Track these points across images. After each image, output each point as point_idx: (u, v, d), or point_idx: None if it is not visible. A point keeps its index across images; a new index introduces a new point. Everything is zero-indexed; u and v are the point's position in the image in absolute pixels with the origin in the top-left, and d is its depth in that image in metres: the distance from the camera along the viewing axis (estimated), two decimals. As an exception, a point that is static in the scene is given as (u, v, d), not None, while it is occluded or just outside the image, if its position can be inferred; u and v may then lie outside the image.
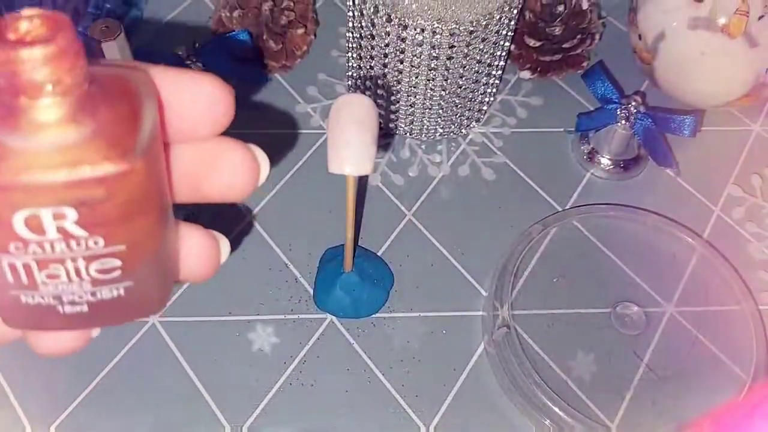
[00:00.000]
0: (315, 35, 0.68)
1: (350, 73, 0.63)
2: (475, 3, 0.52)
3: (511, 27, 0.56)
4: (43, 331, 0.24)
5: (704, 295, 0.55)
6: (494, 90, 0.62)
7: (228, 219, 0.57)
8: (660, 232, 0.57)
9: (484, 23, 0.52)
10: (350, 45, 0.59)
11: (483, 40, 0.53)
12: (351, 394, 0.50)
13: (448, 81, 0.56)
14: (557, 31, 0.62)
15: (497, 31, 0.54)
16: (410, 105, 0.59)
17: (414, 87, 0.57)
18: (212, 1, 0.71)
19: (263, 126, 0.63)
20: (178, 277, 0.25)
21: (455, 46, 0.53)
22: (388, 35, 0.53)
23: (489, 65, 0.57)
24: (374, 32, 0.54)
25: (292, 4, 0.64)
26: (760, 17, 0.54)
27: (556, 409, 0.47)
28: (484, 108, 0.63)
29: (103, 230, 0.20)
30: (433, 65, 0.54)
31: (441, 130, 0.62)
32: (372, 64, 0.57)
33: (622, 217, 0.58)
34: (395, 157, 0.62)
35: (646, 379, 0.51)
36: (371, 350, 0.52)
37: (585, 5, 0.63)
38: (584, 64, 0.65)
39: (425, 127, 0.61)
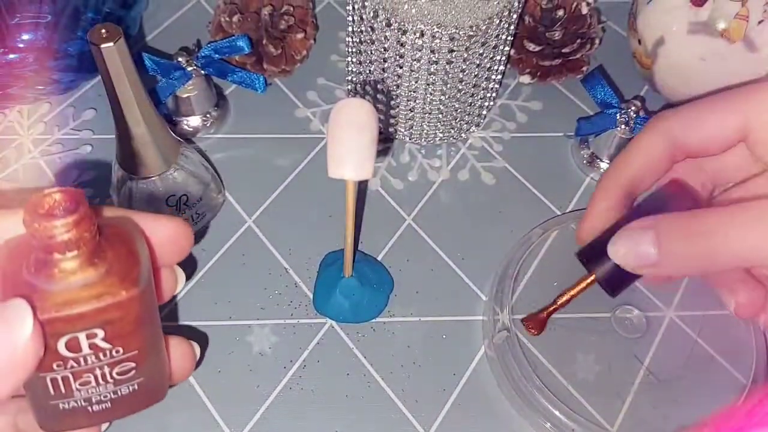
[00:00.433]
0: (314, 40, 0.68)
1: (350, 78, 0.63)
2: (474, 7, 0.52)
3: (510, 31, 0.56)
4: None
5: (704, 298, 0.54)
6: (494, 94, 0.62)
7: (228, 223, 0.57)
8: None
9: (483, 28, 0.52)
10: (350, 49, 0.59)
11: (483, 44, 0.53)
12: (351, 399, 0.50)
13: (448, 85, 0.56)
14: (557, 35, 0.62)
15: (497, 36, 0.54)
16: (410, 109, 0.59)
17: (413, 91, 0.57)
18: (212, 5, 0.71)
19: (263, 131, 0.63)
20: (173, 378, 0.33)
21: (455, 51, 0.53)
22: (388, 40, 0.53)
23: (489, 70, 0.57)
24: (374, 37, 0.54)
25: (291, 8, 0.64)
26: (760, 22, 0.54)
27: (557, 413, 0.47)
28: (484, 112, 0.63)
29: (122, 341, 0.27)
30: (432, 70, 0.54)
31: (441, 135, 0.62)
32: (371, 69, 0.57)
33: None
34: (395, 161, 0.62)
35: (646, 382, 0.51)
36: (371, 355, 0.52)
37: (585, 10, 0.63)
38: (584, 68, 0.65)
39: (425, 131, 0.61)
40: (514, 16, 0.54)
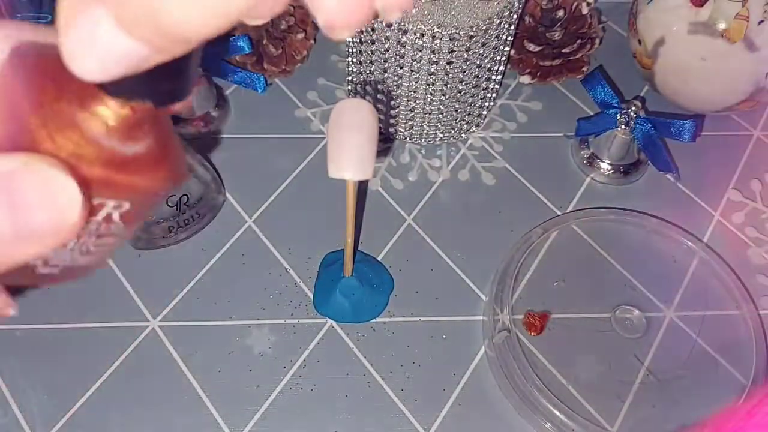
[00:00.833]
0: (315, 40, 0.68)
1: (350, 78, 0.63)
2: (475, 8, 0.52)
3: (511, 32, 0.56)
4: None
5: (704, 299, 0.55)
6: (494, 95, 0.62)
7: (228, 223, 0.57)
8: (660, 236, 0.57)
9: (484, 28, 0.52)
10: (350, 50, 0.59)
11: (483, 44, 0.53)
12: (351, 399, 0.50)
13: (448, 86, 0.56)
14: (557, 36, 0.62)
15: (497, 36, 0.54)
16: (410, 110, 0.59)
17: (414, 92, 0.57)
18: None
19: (263, 131, 0.63)
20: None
21: (455, 51, 0.53)
22: (388, 40, 0.53)
23: (489, 70, 0.57)
24: (374, 37, 0.54)
25: (291, 9, 0.64)
26: (760, 22, 0.54)
27: (557, 413, 0.47)
28: (484, 113, 0.63)
29: (131, 221, 0.23)
30: (433, 70, 0.54)
31: (441, 135, 0.62)
32: (372, 69, 0.57)
33: (621, 221, 0.58)
34: (395, 161, 0.62)
35: (646, 382, 0.51)
36: (371, 355, 0.52)
37: (585, 10, 0.63)
38: (584, 68, 0.65)
39: (425, 131, 0.61)
40: (514, 16, 0.54)
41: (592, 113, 0.65)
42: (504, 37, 0.55)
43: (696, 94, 0.60)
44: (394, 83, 0.57)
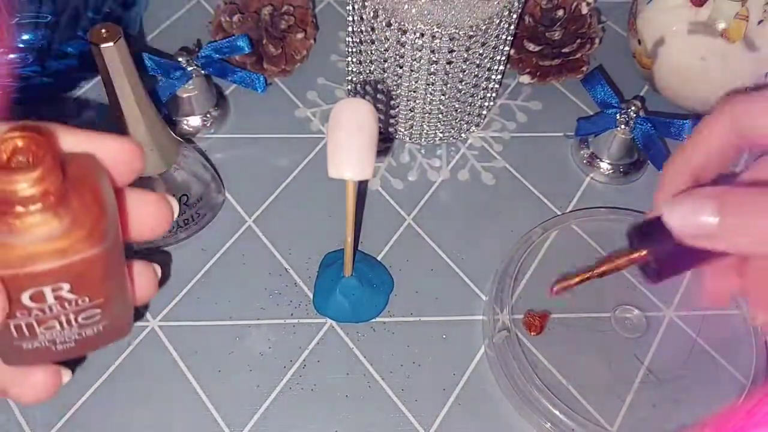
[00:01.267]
0: (314, 40, 0.68)
1: (350, 78, 0.63)
2: (474, 7, 0.52)
3: (510, 31, 0.56)
4: (30, 375, 0.29)
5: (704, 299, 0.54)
6: (494, 94, 0.62)
7: (228, 223, 0.57)
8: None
9: (483, 28, 0.52)
10: (350, 49, 0.59)
11: (482, 44, 0.53)
12: (351, 399, 0.50)
13: (448, 85, 0.56)
14: (557, 35, 0.62)
15: (497, 36, 0.54)
16: (410, 109, 0.59)
17: (413, 91, 0.57)
18: (212, 5, 0.71)
19: (263, 131, 0.63)
20: (137, 302, 0.30)
21: (455, 51, 0.53)
22: (388, 40, 0.53)
23: (488, 70, 0.57)
24: (374, 37, 0.54)
25: (291, 8, 0.64)
26: (760, 21, 0.54)
27: (557, 413, 0.47)
28: (484, 112, 0.63)
29: (89, 292, 0.26)
30: (432, 70, 0.54)
31: (441, 135, 0.62)
32: (371, 69, 0.57)
33: (621, 221, 0.58)
34: (395, 161, 0.62)
35: (646, 382, 0.51)
36: (371, 355, 0.52)
37: (585, 10, 0.63)
38: (584, 68, 0.65)
39: (425, 131, 0.61)
40: (514, 16, 0.54)
41: (592, 113, 0.65)
42: (504, 36, 0.55)
43: (696, 94, 0.60)
44: (394, 83, 0.57)
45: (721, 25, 0.55)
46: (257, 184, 0.60)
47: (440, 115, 0.59)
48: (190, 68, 0.58)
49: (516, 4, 0.53)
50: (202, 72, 0.59)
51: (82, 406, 0.49)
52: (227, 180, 0.60)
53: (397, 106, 0.59)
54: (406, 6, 0.52)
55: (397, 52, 0.54)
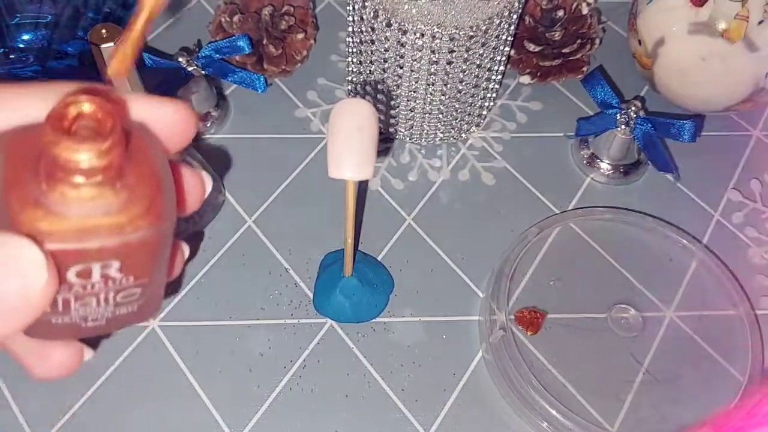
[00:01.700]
0: (315, 40, 0.68)
1: (350, 78, 0.63)
2: (475, 8, 0.52)
3: (510, 32, 0.56)
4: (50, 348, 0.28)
5: (702, 299, 0.55)
6: (494, 95, 0.62)
7: (228, 223, 0.57)
8: (658, 235, 0.57)
9: (484, 28, 0.52)
10: (350, 50, 0.59)
11: (483, 44, 0.53)
12: (351, 399, 0.50)
13: (448, 86, 0.56)
14: (557, 36, 0.62)
15: (497, 36, 0.54)
16: (410, 110, 0.59)
17: (414, 92, 0.57)
18: (212, 5, 0.71)
19: (263, 131, 0.63)
20: (185, 210, 0.28)
21: (455, 51, 0.53)
22: (388, 40, 0.53)
23: (489, 70, 0.57)
24: (374, 37, 0.54)
25: (291, 9, 0.64)
26: (760, 22, 0.54)
27: (554, 413, 0.47)
28: (484, 113, 0.63)
29: (135, 271, 0.24)
30: (432, 70, 0.54)
31: (441, 135, 0.62)
32: (372, 69, 0.57)
33: (619, 220, 0.58)
34: (395, 161, 0.62)
35: (645, 381, 0.51)
36: (371, 355, 0.52)
37: (585, 10, 0.63)
38: (584, 68, 0.65)
39: (425, 131, 0.61)
40: (514, 16, 0.54)
41: (592, 113, 0.65)
42: (504, 37, 0.55)
43: (696, 94, 0.60)
44: (394, 83, 0.57)
45: (721, 26, 0.55)
46: (257, 184, 0.60)
47: (440, 116, 0.59)
48: (190, 68, 0.58)
49: (516, 4, 0.53)
50: (202, 72, 0.59)
51: (82, 406, 0.49)
52: (227, 180, 0.60)
53: (397, 107, 0.59)
54: (407, 6, 0.52)
55: (397, 53, 0.54)
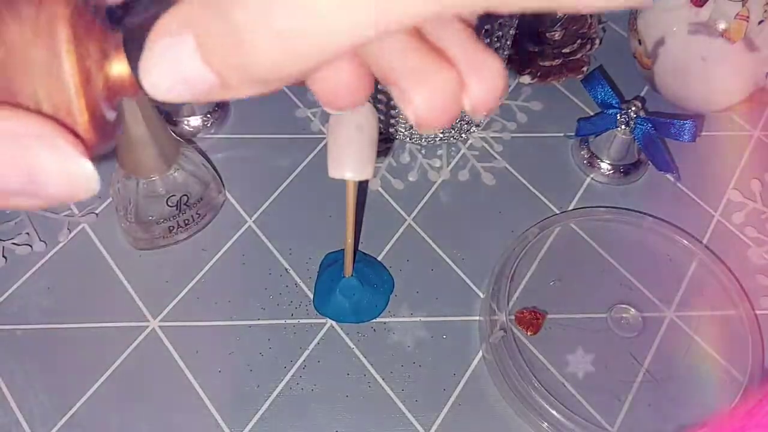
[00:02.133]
0: (315, 40, 0.67)
1: (350, 78, 0.63)
2: (475, 8, 0.52)
3: (511, 32, 0.56)
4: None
5: (702, 299, 0.55)
6: (494, 95, 0.62)
7: (228, 223, 0.57)
8: (658, 235, 0.57)
9: (484, 28, 0.52)
10: (350, 50, 0.59)
11: (483, 44, 0.53)
12: (351, 399, 0.50)
13: (448, 86, 0.56)
14: (557, 36, 0.63)
15: (497, 36, 0.54)
16: (410, 109, 0.59)
17: (414, 92, 0.57)
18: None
19: (263, 131, 0.63)
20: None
21: (455, 51, 0.53)
22: (388, 40, 0.53)
23: (489, 70, 0.57)
24: (374, 37, 0.54)
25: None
26: (760, 22, 0.54)
27: (554, 413, 0.47)
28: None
29: None
30: (433, 70, 0.54)
31: (441, 135, 0.62)
32: (372, 69, 0.57)
33: (619, 220, 0.58)
34: (395, 161, 0.62)
35: (644, 381, 0.51)
36: (371, 355, 0.52)
37: (585, 10, 0.63)
38: (584, 68, 0.65)
39: (425, 131, 0.61)
40: (515, 16, 0.54)
41: (592, 113, 0.65)
42: (504, 37, 0.55)
43: (696, 94, 0.60)
44: (394, 83, 0.57)
45: (722, 26, 0.55)
46: (257, 184, 0.60)
47: (440, 116, 0.59)
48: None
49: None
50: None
51: (82, 405, 0.49)
52: (227, 180, 0.60)
53: (397, 106, 0.59)
54: (407, 6, 0.52)
55: (397, 53, 0.54)
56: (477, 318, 0.53)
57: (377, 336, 0.53)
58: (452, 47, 0.20)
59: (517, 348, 0.50)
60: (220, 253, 0.56)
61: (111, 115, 0.21)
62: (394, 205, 0.59)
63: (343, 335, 0.52)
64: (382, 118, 0.60)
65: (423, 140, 0.62)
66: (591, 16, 0.64)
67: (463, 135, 0.63)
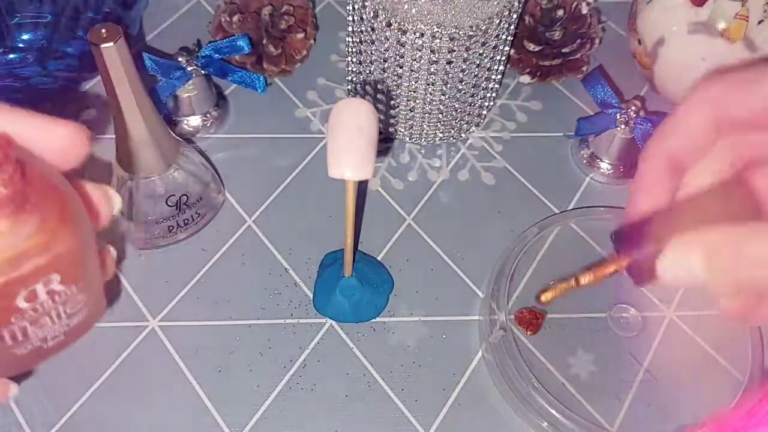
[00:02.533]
0: (315, 40, 0.68)
1: (350, 78, 0.63)
2: (474, 7, 0.52)
3: (510, 31, 0.56)
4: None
5: (702, 299, 0.55)
6: (494, 94, 0.62)
7: (228, 223, 0.57)
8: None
9: (483, 28, 0.52)
10: (350, 49, 0.59)
11: (483, 44, 0.53)
12: (351, 399, 0.50)
13: (448, 85, 0.56)
14: (557, 35, 0.62)
15: (497, 36, 0.54)
16: (410, 109, 0.59)
17: (413, 91, 0.57)
18: (212, 5, 0.71)
19: (263, 131, 0.63)
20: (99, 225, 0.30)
21: (455, 51, 0.53)
22: (388, 40, 0.53)
23: (488, 70, 0.57)
24: (374, 37, 0.54)
25: (291, 8, 0.64)
26: (760, 22, 0.54)
27: (554, 412, 0.47)
28: (484, 112, 0.63)
29: (74, 278, 0.26)
30: (432, 70, 0.54)
31: (441, 135, 0.62)
32: (371, 69, 0.57)
33: (619, 220, 0.58)
34: (395, 161, 0.62)
35: (644, 381, 0.51)
36: (371, 354, 0.52)
37: (585, 10, 0.63)
38: (584, 68, 0.65)
39: (425, 131, 0.61)
40: (514, 16, 0.54)
41: (592, 113, 0.65)
42: (504, 36, 0.55)
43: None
44: (394, 83, 0.57)
45: (721, 25, 0.55)
46: (257, 184, 0.60)
47: (440, 115, 0.59)
48: (190, 68, 0.58)
49: (516, 4, 0.53)
50: (202, 72, 0.59)
51: (82, 406, 0.49)
52: (227, 180, 0.60)
53: (397, 106, 0.59)
54: (406, 6, 0.52)
55: (397, 52, 0.54)
56: (477, 318, 0.53)
57: (377, 336, 0.53)
58: None
59: (517, 348, 0.50)
60: (219, 253, 0.56)
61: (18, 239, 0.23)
62: (394, 205, 0.59)
63: (343, 335, 0.52)
64: (382, 118, 0.60)
65: (423, 140, 0.62)
66: (591, 15, 0.64)
67: (463, 135, 0.63)
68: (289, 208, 0.59)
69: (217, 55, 0.59)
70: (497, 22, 0.52)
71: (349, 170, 0.40)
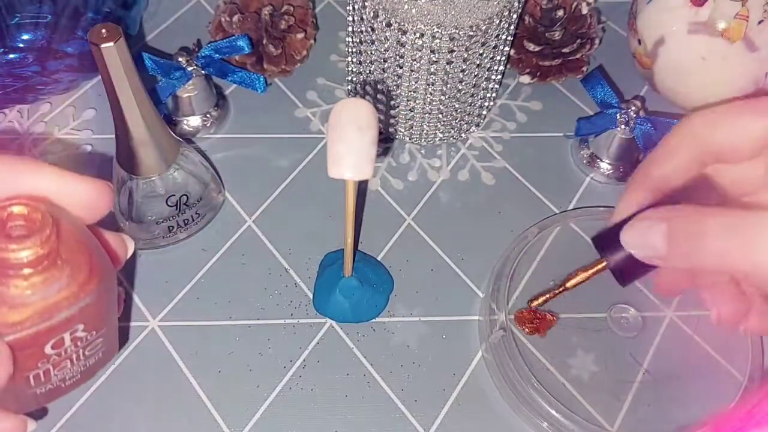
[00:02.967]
0: (315, 40, 0.68)
1: (350, 78, 0.63)
2: (474, 8, 0.52)
3: (510, 31, 0.56)
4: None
5: (702, 298, 0.54)
6: (494, 94, 0.62)
7: (228, 223, 0.57)
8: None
9: (483, 28, 0.52)
10: (350, 50, 0.59)
11: (483, 44, 0.53)
12: (351, 399, 0.50)
13: (448, 86, 0.56)
14: (557, 35, 0.62)
15: (497, 36, 0.54)
16: (410, 109, 0.59)
17: (413, 92, 0.57)
18: (212, 5, 0.71)
19: (263, 131, 0.63)
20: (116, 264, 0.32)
21: (455, 51, 0.53)
22: (388, 40, 0.53)
23: (488, 70, 0.57)
24: (374, 37, 0.54)
25: (291, 8, 0.64)
26: (760, 21, 0.54)
27: (554, 413, 0.47)
28: (484, 112, 0.63)
29: (96, 325, 0.28)
30: (432, 70, 0.54)
31: (441, 135, 0.62)
32: (371, 69, 0.57)
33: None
34: (395, 161, 0.62)
35: (644, 381, 0.51)
36: (371, 355, 0.52)
37: (585, 10, 0.63)
38: (584, 68, 0.65)
39: (425, 131, 0.61)
40: (514, 16, 0.54)
41: (592, 113, 0.65)
42: (504, 36, 0.55)
43: (696, 93, 0.60)
44: (394, 83, 0.57)
45: (721, 25, 0.55)
46: (257, 184, 0.60)
47: (440, 115, 0.59)
48: (190, 68, 0.58)
49: (516, 4, 0.53)
50: (202, 72, 0.59)
51: (82, 406, 0.49)
52: (227, 180, 0.60)
53: (397, 106, 0.59)
54: (406, 6, 0.52)
55: (397, 52, 0.54)
56: (477, 318, 0.53)
57: (377, 336, 0.53)
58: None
59: (517, 348, 0.50)
60: (219, 253, 0.56)
61: (51, 293, 0.26)
62: (394, 205, 0.59)
63: (343, 335, 0.52)
64: (382, 118, 0.60)
65: (423, 140, 0.62)
66: (591, 16, 0.64)
67: (463, 135, 0.63)
68: (289, 208, 0.59)
69: (217, 55, 0.59)
70: (497, 22, 0.52)
71: (349, 170, 0.40)
